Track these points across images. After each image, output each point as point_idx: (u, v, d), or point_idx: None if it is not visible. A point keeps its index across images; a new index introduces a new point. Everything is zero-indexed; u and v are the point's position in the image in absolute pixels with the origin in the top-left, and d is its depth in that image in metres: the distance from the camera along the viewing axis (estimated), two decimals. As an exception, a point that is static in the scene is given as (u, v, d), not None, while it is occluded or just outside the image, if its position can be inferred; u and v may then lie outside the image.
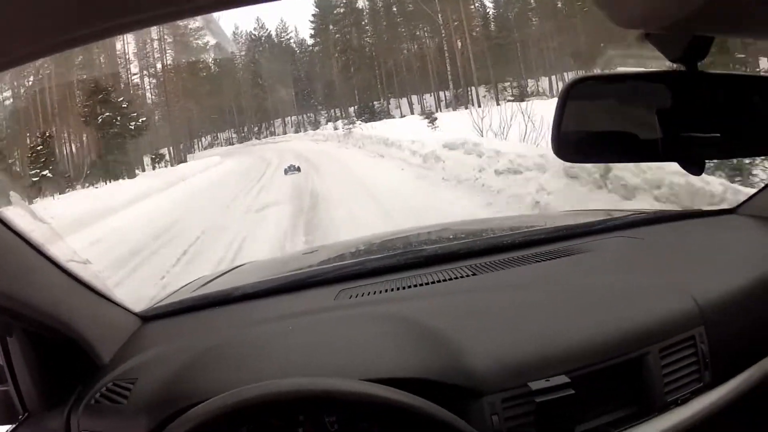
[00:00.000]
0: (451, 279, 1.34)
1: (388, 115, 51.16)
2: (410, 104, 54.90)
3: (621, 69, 0.87)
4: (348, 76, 57.35)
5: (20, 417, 1.09)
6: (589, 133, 0.89)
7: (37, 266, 1.02)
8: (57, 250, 1.09)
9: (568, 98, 0.85)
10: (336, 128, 36.76)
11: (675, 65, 0.77)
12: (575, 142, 0.87)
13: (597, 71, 0.81)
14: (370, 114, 50.18)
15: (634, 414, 1.03)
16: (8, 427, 1.08)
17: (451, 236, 2.03)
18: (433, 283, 1.34)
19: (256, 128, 61.14)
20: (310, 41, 61.22)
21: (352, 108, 55.06)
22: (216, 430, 0.86)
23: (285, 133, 57.24)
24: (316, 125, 55.14)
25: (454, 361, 1.00)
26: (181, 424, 0.86)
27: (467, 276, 1.35)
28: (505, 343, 1.04)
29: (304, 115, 60.49)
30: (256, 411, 0.86)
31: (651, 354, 1.04)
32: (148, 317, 1.37)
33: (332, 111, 58.21)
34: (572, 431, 0.96)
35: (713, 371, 1.09)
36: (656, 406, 1.03)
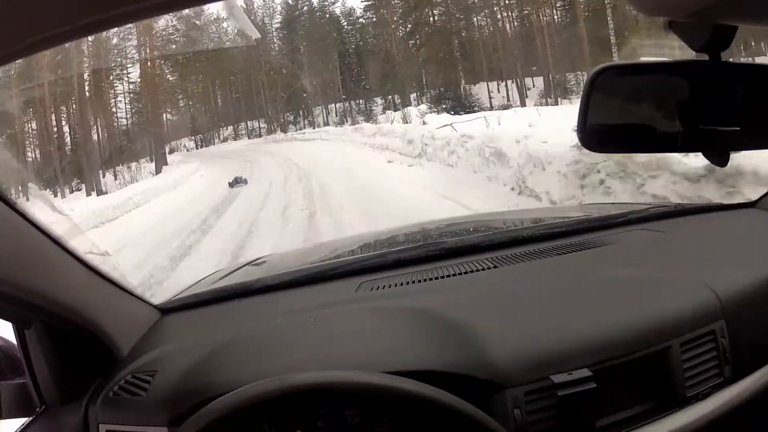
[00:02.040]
0: (472, 271, 1.36)
1: (472, 105, 37.41)
2: (489, 92, 41.89)
3: (644, 59, 0.88)
4: (414, 53, 45.60)
5: (37, 410, 1.09)
6: (613, 122, 0.90)
7: (56, 258, 1.02)
8: (75, 242, 1.09)
9: (593, 88, 0.86)
10: (408, 120, 23.78)
11: (698, 55, 0.79)
12: (600, 132, 0.89)
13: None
14: (455, 103, 37.57)
15: (654, 408, 1.04)
16: (25, 419, 1.09)
17: (471, 229, 2.04)
18: (454, 275, 1.35)
19: (291, 117, 51.33)
20: (361, 5, 48.93)
21: (419, 94, 43.34)
22: (236, 422, 0.88)
23: (326, 124, 44.84)
24: (368, 115, 43.77)
25: (476, 354, 1.01)
26: (202, 417, 0.88)
27: (489, 268, 1.36)
28: (527, 336, 1.05)
29: (352, 102, 50.01)
30: (276, 404, 0.88)
31: (672, 348, 1.05)
32: (167, 310, 1.39)
33: (391, 97, 46.46)
34: (593, 425, 0.97)
35: (734, 366, 1.09)
36: (677, 400, 1.04)
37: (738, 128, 0.81)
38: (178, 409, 0.99)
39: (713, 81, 0.80)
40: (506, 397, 0.97)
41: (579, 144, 0.87)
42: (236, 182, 18.04)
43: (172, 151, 46.41)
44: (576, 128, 0.88)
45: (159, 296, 1.48)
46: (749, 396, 1.06)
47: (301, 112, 52.31)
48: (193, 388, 1.02)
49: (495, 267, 1.37)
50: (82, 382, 1.12)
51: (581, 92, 0.88)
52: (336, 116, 50.50)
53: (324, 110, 51.23)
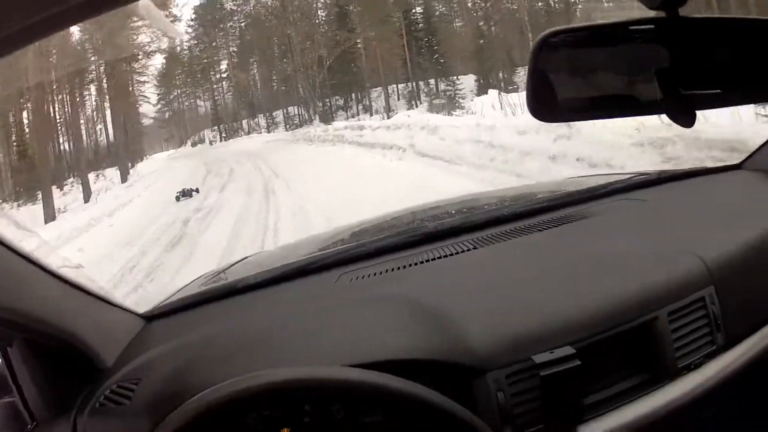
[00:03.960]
0: (452, 254, 1.36)
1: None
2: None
3: (591, 22, 0.84)
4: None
5: (29, 426, 1.11)
6: (566, 89, 0.88)
7: (29, 275, 1.02)
8: (47, 258, 1.08)
9: (541, 53, 0.84)
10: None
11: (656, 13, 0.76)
12: (552, 99, 0.86)
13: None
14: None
15: (645, 382, 1.03)
16: None
17: (453, 211, 2.03)
18: (434, 259, 1.35)
19: (342, 100, 40.08)
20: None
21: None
22: (218, 420, 0.88)
23: (389, 111, 33.91)
24: (452, 102, 32.79)
25: (455, 339, 1.01)
26: (178, 415, 0.89)
27: (468, 250, 1.36)
28: (507, 317, 1.04)
29: (421, 83, 38.44)
30: (256, 401, 0.89)
31: (659, 318, 1.04)
32: (151, 317, 1.39)
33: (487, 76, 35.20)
34: (581, 403, 0.96)
35: (726, 333, 1.09)
36: (668, 372, 1.03)
37: (719, 90, 0.78)
38: (162, 414, 0.98)
39: (674, 38, 0.77)
40: (488, 380, 0.96)
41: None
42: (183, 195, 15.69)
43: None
44: (525, 97, 0.86)
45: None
46: (743, 363, 1.05)
47: (357, 95, 41.05)
48: (175, 392, 1.02)
49: (475, 248, 1.37)
50: (69, 395, 1.13)
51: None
52: (401, 100, 39.60)
53: (385, 91, 39.72)
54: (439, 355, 0.99)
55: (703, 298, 1.09)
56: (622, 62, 0.83)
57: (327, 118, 36.62)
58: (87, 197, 26.42)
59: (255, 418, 0.94)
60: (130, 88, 41.67)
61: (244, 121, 45.38)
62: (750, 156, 1.62)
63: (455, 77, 36.45)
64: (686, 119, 0.78)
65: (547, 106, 0.86)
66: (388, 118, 25.85)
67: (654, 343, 1.04)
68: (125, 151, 36.94)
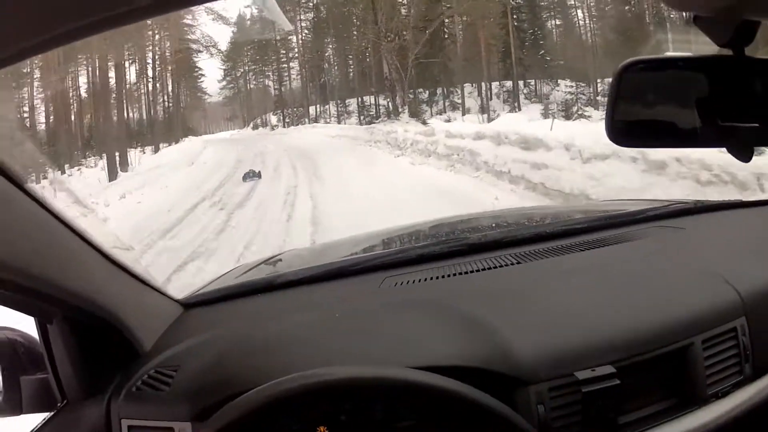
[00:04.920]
0: (495, 267, 1.46)
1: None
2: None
3: (669, 53, 0.93)
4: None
5: (59, 405, 1.20)
6: (640, 116, 0.96)
7: (79, 252, 1.12)
8: (100, 236, 1.18)
9: (622, 80, 0.92)
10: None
11: (722, 50, 0.82)
12: (627, 126, 0.95)
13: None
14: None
15: (675, 406, 1.12)
16: (47, 414, 1.20)
17: (493, 224, 2.20)
18: (477, 271, 1.45)
19: (425, 94, 35.64)
20: None
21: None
22: (260, 418, 0.96)
23: (488, 111, 31.97)
24: (570, 108, 28.81)
25: (499, 350, 1.10)
26: (226, 414, 0.97)
27: (512, 264, 1.46)
28: (551, 332, 1.13)
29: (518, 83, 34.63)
30: (305, 400, 0.97)
31: (694, 345, 1.13)
32: (189, 304, 1.51)
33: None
34: (616, 422, 1.04)
35: (754, 364, 1.17)
36: (698, 398, 1.12)
37: (757, 124, 0.84)
38: (202, 404, 1.09)
39: (735, 77, 0.85)
40: (530, 392, 1.05)
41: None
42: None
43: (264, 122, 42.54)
44: (605, 122, 0.94)
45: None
46: None
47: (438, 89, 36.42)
48: (216, 383, 1.12)
49: (518, 263, 1.47)
50: (104, 377, 1.23)
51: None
52: (493, 99, 35.47)
53: (483, 89, 35.58)
54: (484, 364, 1.08)
55: (735, 328, 1.18)
56: (689, 95, 0.90)
57: (418, 111, 31.43)
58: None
59: (293, 416, 1.03)
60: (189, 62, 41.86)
61: (312, 108, 43.56)
62: None
63: (562, 80, 34.87)
64: (744, 155, 0.86)
65: (622, 131, 0.95)
66: (489, 120, 24.68)
67: (687, 369, 1.13)
68: (147, 131, 36.47)
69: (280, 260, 2.18)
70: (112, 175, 27.17)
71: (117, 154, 29.53)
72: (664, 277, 1.32)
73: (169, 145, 37.01)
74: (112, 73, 34.37)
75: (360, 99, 40.63)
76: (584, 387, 1.02)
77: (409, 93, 33.07)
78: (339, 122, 39.64)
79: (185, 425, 1.09)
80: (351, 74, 43.11)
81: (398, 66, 32.62)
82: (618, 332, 1.13)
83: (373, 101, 38.61)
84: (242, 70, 46.88)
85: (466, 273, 1.47)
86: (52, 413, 1.21)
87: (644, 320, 1.16)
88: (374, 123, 32.04)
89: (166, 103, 40.95)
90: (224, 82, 46.85)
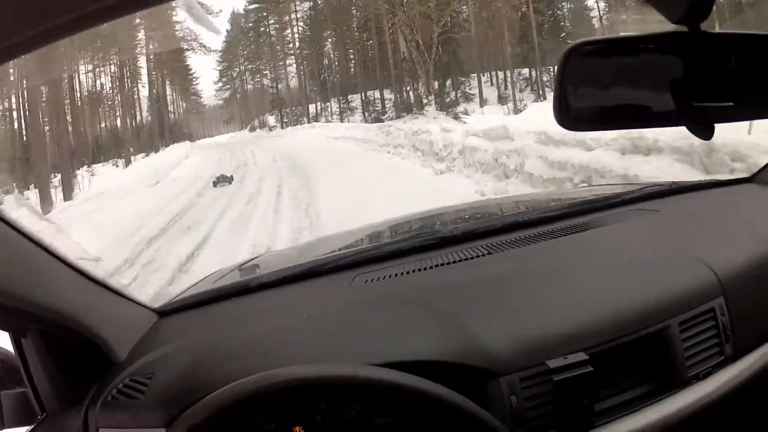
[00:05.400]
0: (467, 259, 1.51)
1: None
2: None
3: (622, 33, 0.96)
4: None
5: (39, 417, 1.24)
6: (592, 99, 0.99)
7: (47, 266, 1.16)
8: (66, 249, 1.23)
9: (568, 64, 0.96)
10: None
11: (677, 27, 0.86)
12: (578, 109, 0.98)
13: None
14: None
15: (654, 390, 1.15)
16: (27, 428, 1.24)
17: (466, 216, 2.25)
18: (448, 263, 1.50)
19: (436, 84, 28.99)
20: None
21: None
22: (231, 419, 1.01)
23: (514, 101, 30.85)
24: None
25: (470, 342, 1.13)
26: (191, 415, 1.02)
27: (483, 255, 1.51)
28: (521, 322, 1.17)
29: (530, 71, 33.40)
30: (270, 400, 1.02)
31: (671, 327, 1.17)
32: (164, 312, 1.55)
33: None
34: (592, 409, 1.08)
35: (734, 344, 1.21)
36: (677, 381, 1.16)
37: (731, 103, 0.88)
38: (175, 410, 1.12)
39: (694, 52, 0.88)
40: (501, 384, 1.09)
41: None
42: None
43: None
44: (553, 109, 0.97)
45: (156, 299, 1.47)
46: (751, 374, 1.18)
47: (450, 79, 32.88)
48: (189, 388, 1.15)
49: (489, 253, 1.52)
50: (81, 387, 1.27)
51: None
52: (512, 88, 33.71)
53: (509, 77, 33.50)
54: (453, 357, 1.11)
55: (713, 308, 1.22)
56: (643, 75, 0.93)
57: (447, 103, 28.32)
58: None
59: (267, 416, 1.08)
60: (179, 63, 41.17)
61: (312, 106, 42.72)
62: (761, 169, 1.81)
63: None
64: (704, 132, 0.89)
65: (571, 115, 0.98)
66: (515, 112, 23.49)
67: (664, 352, 1.17)
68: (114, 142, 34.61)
69: (257, 263, 2.23)
70: (46, 207, 23.61)
71: (59, 176, 27.74)
72: (639, 260, 1.36)
73: (147, 155, 36.07)
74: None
75: (363, 94, 39.07)
76: (556, 375, 1.06)
77: (433, 82, 27.34)
78: (342, 120, 38.88)
79: (159, 431, 1.14)
80: (352, 67, 42.14)
81: (419, 43, 27.19)
82: (591, 318, 1.17)
83: (376, 96, 37.61)
84: (238, 70, 46.91)
85: (436, 266, 1.52)
86: (32, 426, 1.25)
87: (618, 305, 1.20)
88: (383, 120, 30.95)
89: (139, 110, 40.63)
90: (220, 84, 47.22)
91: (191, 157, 30.67)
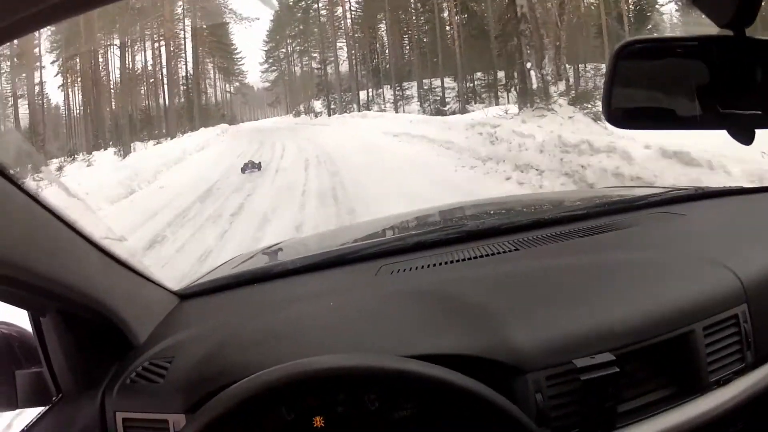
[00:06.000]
0: (493, 254, 1.55)
1: None
2: None
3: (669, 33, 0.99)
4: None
5: (54, 398, 1.30)
6: (638, 98, 1.04)
7: (71, 244, 1.21)
8: (91, 227, 1.26)
9: (619, 61, 1.00)
10: None
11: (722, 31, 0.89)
12: (625, 108, 1.03)
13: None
14: None
15: (676, 394, 1.19)
16: (42, 408, 1.29)
17: (491, 211, 2.31)
18: (475, 258, 1.55)
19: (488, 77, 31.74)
20: None
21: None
22: (254, 408, 1.04)
23: None
24: None
25: (497, 338, 1.18)
26: (218, 403, 1.05)
27: (510, 251, 1.56)
28: (549, 320, 1.21)
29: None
30: (294, 390, 1.05)
31: (695, 332, 1.20)
32: (185, 295, 1.62)
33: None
34: (615, 410, 1.12)
35: (755, 351, 1.24)
36: (699, 386, 1.19)
37: (760, 111, 0.91)
38: (196, 396, 1.17)
39: (736, 59, 0.90)
40: (528, 381, 1.13)
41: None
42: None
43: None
44: (602, 104, 1.03)
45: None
46: None
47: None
48: (210, 373, 1.20)
49: (516, 249, 1.57)
50: (98, 369, 1.32)
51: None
52: None
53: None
54: (480, 352, 1.16)
55: (736, 315, 1.26)
56: (688, 76, 0.97)
57: (581, 95, 16.99)
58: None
59: (289, 407, 1.11)
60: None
61: (363, 93, 40.92)
62: None
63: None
64: (745, 137, 0.92)
65: (620, 113, 1.03)
66: None
67: (688, 356, 1.21)
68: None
69: (280, 249, 2.31)
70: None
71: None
72: (665, 263, 1.40)
73: (158, 142, 34.21)
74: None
75: (420, 82, 36.47)
76: (583, 375, 1.09)
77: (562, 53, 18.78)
78: (396, 110, 35.19)
79: (179, 417, 1.18)
80: (407, 52, 40.27)
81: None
82: (617, 319, 1.20)
83: (437, 83, 35.45)
84: (285, 51, 46.02)
85: (463, 260, 1.56)
86: (48, 407, 1.30)
87: (644, 307, 1.23)
88: (445, 112, 27.95)
89: (161, 90, 39.64)
90: (266, 65, 46.53)
91: (207, 149, 27.67)
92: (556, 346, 1.17)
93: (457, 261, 1.57)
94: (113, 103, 36.66)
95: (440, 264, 1.57)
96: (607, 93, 1.02)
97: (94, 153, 30.18)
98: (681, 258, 1.43)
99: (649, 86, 1.04)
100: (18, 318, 1.33)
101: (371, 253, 1.71)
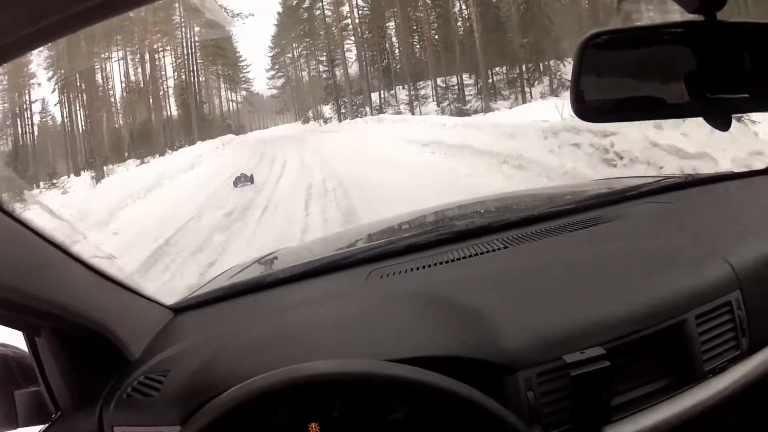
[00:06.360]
0: (482, 253, 1.59)
1: None
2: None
3: (638, 23, 1.02)
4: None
5: (53, 416, 1.34)
6: (607, 90, 1.06)
7: (61, 264, 1.25)
8: (79, 247, 1.36)
9: (585, 54, 1.03)
10: None
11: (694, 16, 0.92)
12: (595, 100, 1.05)
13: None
14: None
15: (672, 384, 1.22)
16: (41, 427, 1.34)
17: (482, 210, 2.38)
18: (464, 258, 1.59)
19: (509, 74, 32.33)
20: None
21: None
22: (247, 415, 1.08)
23: None
24: None
25: (486, 337, 1.21)
26: (209, 411, 1.09)
27: (499, 249, 1.60)
28: (538, 316, 1.25)
29: None
30: (286, 396, 1.08)
31: (688, 321, 1.23)
32: (179, 309, 1.66)
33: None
34: (609, 404, 1.14)
35: (750, 338, 1.27)
36: (694, 375, 1.22)
37: (747, 95, 0.94)
38: (190, 407, 1.21)
39: (710, 42, 0.94)
40: (518, 379, 1.16)
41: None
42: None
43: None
44: (570, 99, 1.05)
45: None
46: (767, 368, 1.23)
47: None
48: (204, 384, 1.24)
49: (505, 247, 1.61)
50: (95, 386, 1.36)
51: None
52: None
53: None
54: (470, 353, 1.19)
55: (729, 302, 1.28)
56: (659, 65, 0.99)
57: None
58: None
59: (284, 413, 1.13)
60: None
61: (375, 94, 40.03)
62: None
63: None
64: (722, 122, 0.95)
65: (589, 106, 1.05)
66: None
67: (681, 346, 1.24)
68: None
69: (275, 258, 2.38)
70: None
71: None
72: (655, 253, 1.43)
73: (139, 163, 33.48)
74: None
75: (435, 81, 35.62)
76: (573, 370, 1.12)
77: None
78: (412, 111, 34.49)
79: (174, 429, 1.22)
80: (418, 49, 39.46)
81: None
82: (608, 312, 1.24)
83: (453, 81, 34.81)
84: (291, 56, 46.41)
85: (452, 261, 1.61)
86: (47, 425, 1.34)
87: (635, 298, 1.26)
88: (467, 111, 27.21)
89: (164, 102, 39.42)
90: (272, 71, 46.96)
91: (196, 168, 25.77)
92: (545, 342, 1.20)
93: (447, 262, 1.62)
94: (88, 121, 36.56)
95: (429, 266, 1.61)
96: (575, 87, 1.05)
97: (64, 177, 29.45)
98: (671, 247, 1.46)
99: (619, 77, 1.07)
100: (14, 339, 1.37)
101: (362, 258, 1.76)
